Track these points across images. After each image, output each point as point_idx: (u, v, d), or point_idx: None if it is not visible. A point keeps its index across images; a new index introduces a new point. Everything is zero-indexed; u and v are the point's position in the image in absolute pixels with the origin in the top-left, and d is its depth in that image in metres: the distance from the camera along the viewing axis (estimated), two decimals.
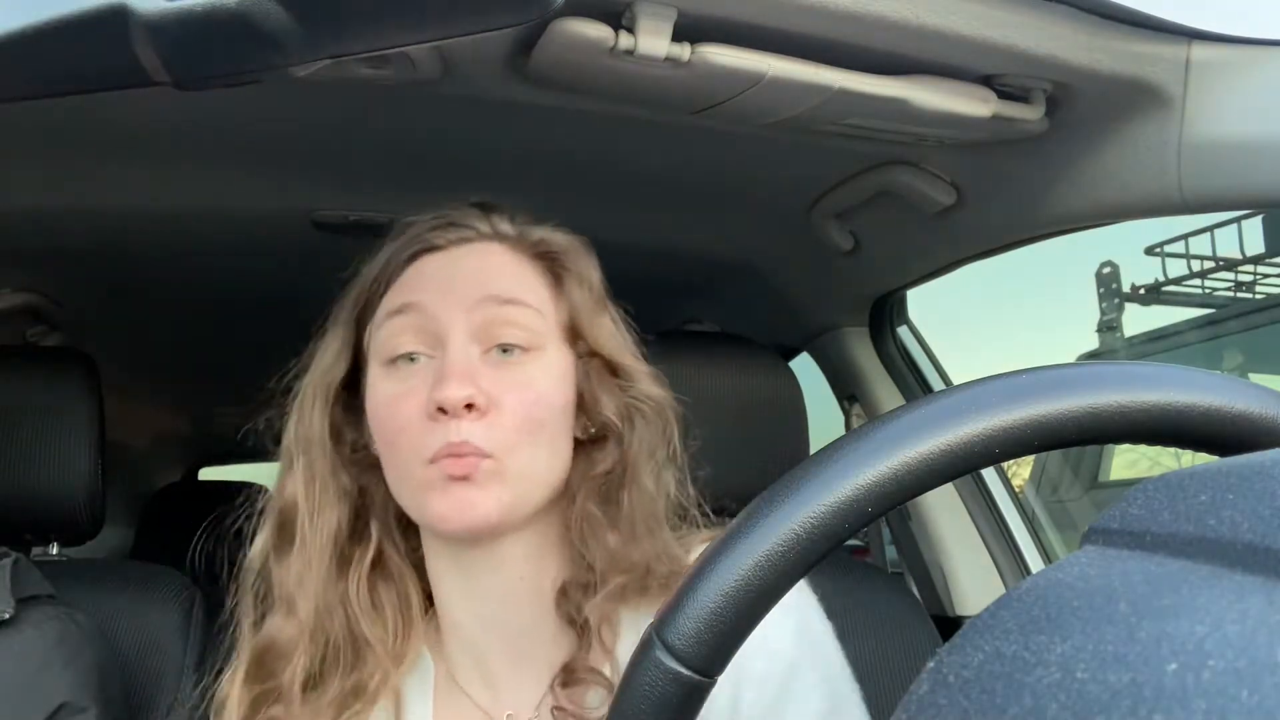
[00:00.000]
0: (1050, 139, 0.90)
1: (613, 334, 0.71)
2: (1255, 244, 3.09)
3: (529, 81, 0.81)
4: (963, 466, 0.34)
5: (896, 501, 0.34)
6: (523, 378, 0.64)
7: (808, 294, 1.45)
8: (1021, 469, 3.19)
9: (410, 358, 0.64)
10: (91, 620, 0.95)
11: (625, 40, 0.71)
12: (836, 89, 0.79)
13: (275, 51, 0.41)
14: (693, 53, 0.73)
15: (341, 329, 0.71)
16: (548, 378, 0.65)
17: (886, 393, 1.43)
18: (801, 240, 1.29)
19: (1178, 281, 3.25)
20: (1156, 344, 3.33)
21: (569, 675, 0.64)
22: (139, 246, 1.36)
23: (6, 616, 0.86)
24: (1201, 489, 0.24)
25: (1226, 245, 3.12)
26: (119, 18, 0.38)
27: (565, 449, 0.67)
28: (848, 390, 1.49)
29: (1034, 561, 1.35)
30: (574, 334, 0.69)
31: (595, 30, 0.71)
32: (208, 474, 3.37)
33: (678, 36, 0.72)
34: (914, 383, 1.43)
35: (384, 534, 0.69)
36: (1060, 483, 3.11)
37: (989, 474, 1.38)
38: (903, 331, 1.46)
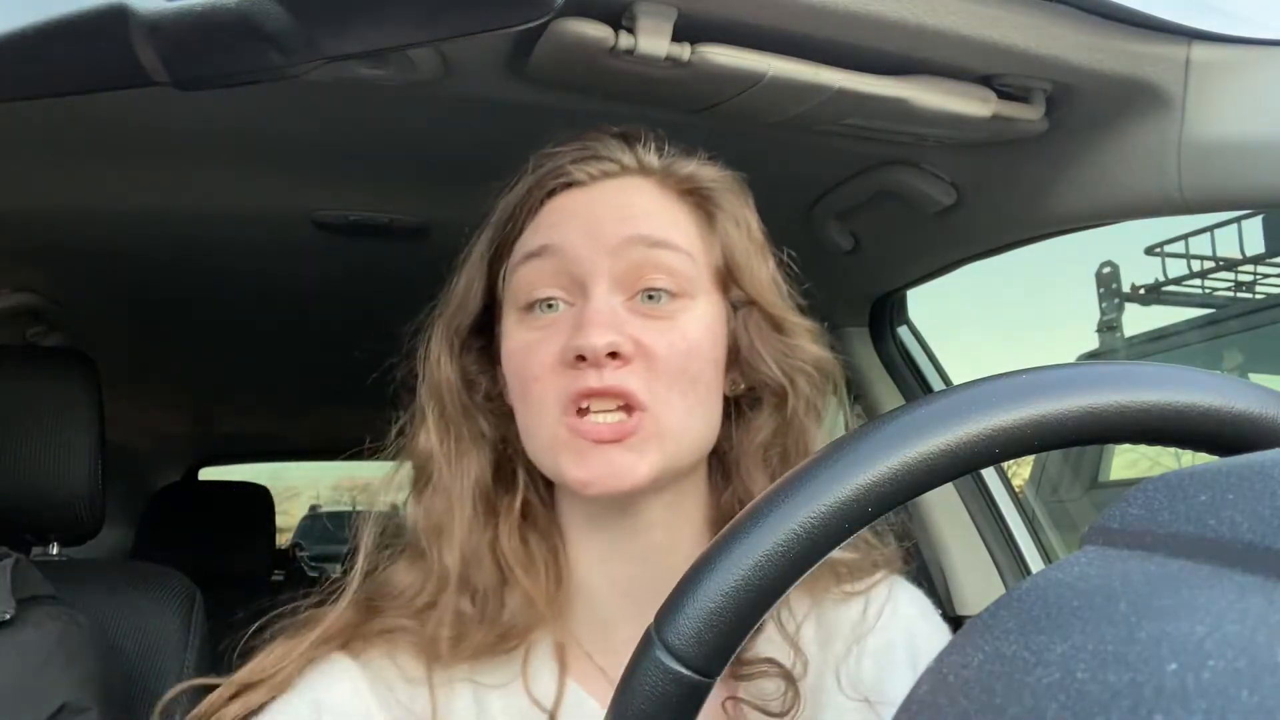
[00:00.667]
0: (1050, 139, 0.90)
1: (772, 283, 0.65)
2: (1255, 244, 3.10)
3: (529, 82, 0.81)
4: (963, 466, 0.34)
5: (897, 501, 0.34)
6: (673, 326, 0.58)
7: (807, 294, 1.45)
8: (1021, 469, 3.19)
9: (549, 304, 0.59)
10: (92, 620, 0.95)
11: (625, 40, 0.71)
12: (836, 89, 0.79)
13: (275, 52, 0.41)
14: (693, 53, 0.73)
15: (472, 269, 0.65)
16: (700, 326, 0.59)
17: (886, 393, 1.43)
18: (801, 240, 1.29)
19: (1178, 281, 3.26)
20: (1157, 344, 3.33)
21: (739, 666, 0.60)
22: (139, 246, 1.36)
23: (7, 617, 0.86)
24: (1201, 489, 0.24)
25: (1226, 245, 3.13)
26: (119, 18, 0.38)
27: (717, 407, 0.61)
28: (848, 390, 1.49)
29: (1034, 561, 1.35)
30: (728, 280, 0.63)
31: (595, 30, 0.71)
32: (208, 474, 3.37)
33: (678, 36, 0.72)
34: (914, 383, 1.43)
35: (529, 484, 0.64)
36: (1060, 483, 3.11)
37: (989, 474, 1.38)
38: (903, 331, 1.46)
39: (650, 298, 0.59)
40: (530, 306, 0.60)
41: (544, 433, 0.57)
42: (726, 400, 0.63)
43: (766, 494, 0.35)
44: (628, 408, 0.56)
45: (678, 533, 0.62)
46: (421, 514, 0.63)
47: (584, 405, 0.56)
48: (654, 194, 0.63)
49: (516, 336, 0.60)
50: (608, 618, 0.62)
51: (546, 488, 0.65)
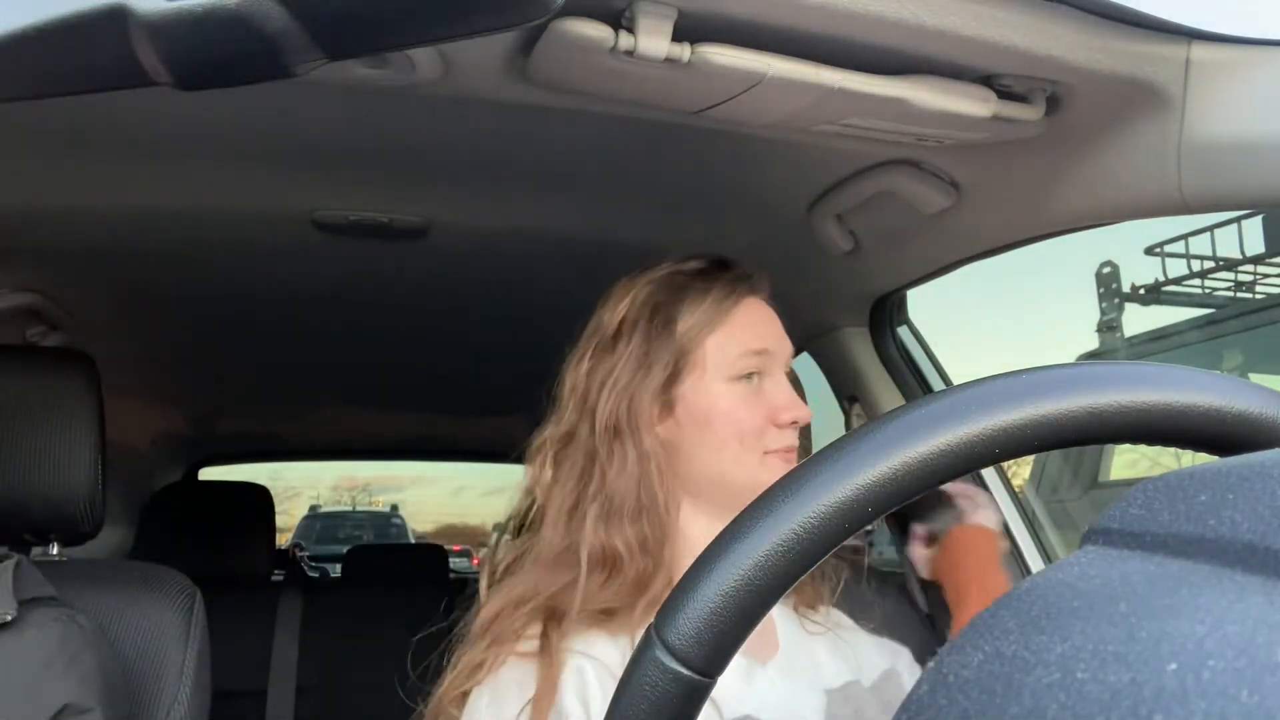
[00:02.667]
0: (1050, 139, 0.90)
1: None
2: (1255, 244, 3.10)
3: (529, 82, 0.81)
4: (963, 466, 0.34)
5: (897, 501, 0.34)
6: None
7: (808, 294, 1.45)
8: (1021, 469, 3.19)
9: (751, 377, 0.86)
10: (93, 621, 0.95)
11: (625, 40, 0.71)
12: (836, 89, 0.79)
13: (275, 52, 0.41)
14: (693, 53, 0.73)
15: (656, 341, 0.87)
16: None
17: (886, 393, 1.43)
18: (801, 240, 1.29)
19: (1178, 281, 3.26)
20: (1157, 344, 3.33)
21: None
22: (139, 246, 1.36)
23: (9, 618, 0.86)
24: (1201, 489, 0.24)
25: (1226, 245, 3.13)
26: (119, 18, 0.38)
27: None
28: (848, 390, 1.49)
29: (1034, 561, 1.35)
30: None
31: (595, 30, 0.71)
32: (208, 474, 3.37)
33: (678, 36, 0.72)
34: (914, 383, 1.43)
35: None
36: (1060, 483, 3.11)
37: (989, 474, 1.38)
38: (903, 331, 1.46)
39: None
40: (743, 378, 0.86)
41: (746, 462, 0.84)
42: None
43: (767, 494, 0.35)
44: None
45: None
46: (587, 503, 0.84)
47: (781, 450, 0.85)
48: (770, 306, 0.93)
49: (730, 395, 0.85)
50: None
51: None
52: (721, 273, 0.89)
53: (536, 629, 0.78)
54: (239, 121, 0.99)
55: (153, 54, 0.39)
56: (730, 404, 0.85)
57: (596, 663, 0.76)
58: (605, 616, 0.79)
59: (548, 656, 0.76)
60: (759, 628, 0.75)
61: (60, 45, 0.39)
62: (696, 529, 0.86)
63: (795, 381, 1.20)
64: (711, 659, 0.34)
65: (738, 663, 0.77)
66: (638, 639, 0.77)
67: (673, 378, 0.86)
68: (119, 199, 1.17)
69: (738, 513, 0.75)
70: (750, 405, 0.85)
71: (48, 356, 1.23)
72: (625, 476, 0.83)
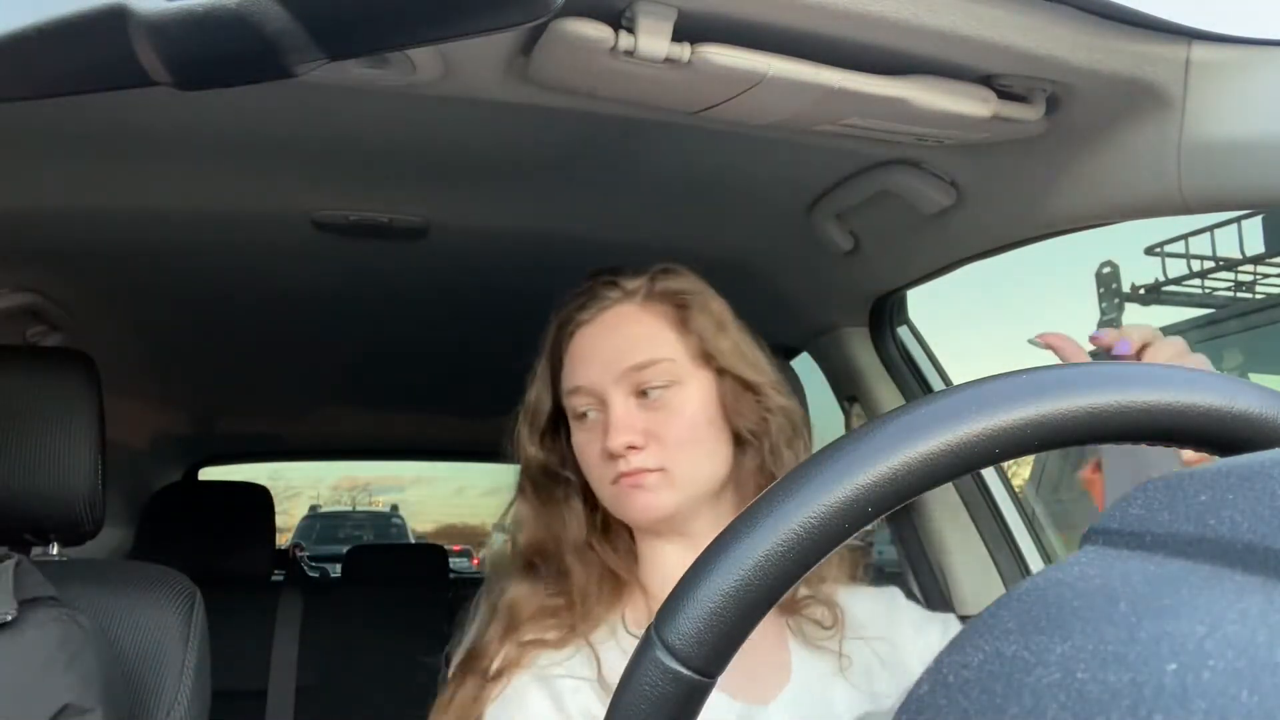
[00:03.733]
0: (1050, 139, 0.90)
1: (738, 353, 0.87)
2: (1255, 244, 3.10)
3: (529, 82, 0.81)
4: (963, 466, 0.34)
5: (897, 502, 0.34)
6: (670, 410, 0.83)
7: (808, 294, 1.45)
8: (1021, 469, 3.19)
9: (585, 414, 0.85)
10: (93, 621, 0.95)
11: (625, 40, 0.71)
12: (836, 88, 0.79)
13: (276, 52, 0.41)
14: (693, 53, 0.73)
15: (540, 387, 0.91)
16: (690, 404, 0.84)
17: (887, 393, 1.43)
18: (801, 240, 1.29)
19: (1178, 281, 3.26)
20: None
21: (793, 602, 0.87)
22: (139, 246, 1.36)
23: (9, 618, 0.86)
24: (1201, 489, 0.24)
25: (1226, 245, 3.13)
26: (119, 18, 0.38)
27: (723, 449, 0.85)
28: (848, 390, 1.49)
29: (1034, 561, 1.35)
30: (705, 358, 0.86)
31: (595, 30, 0.71)
32: (207, 474, 3.37)
33: (678, 36, 0.72)
34: (914, 383, 1.43)
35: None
36: (1060, 482, 3.11)
37: (989, 474, 1.38)
38: (903, 331, 1.46)
39: (646, 394, 0.83)
40: (579, 417, 0.86)
41: (604, 494, 0.85)
42: (739, 436, 0.86)
43: (766, 494, 0.35)
44: (642, 476, 0.82)
45: None
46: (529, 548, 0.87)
47: (618, 480, 0.83)
48: (637, 315, 0.86)
49: (577, 434, 0.87)
50: None
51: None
52: (576, 300, 0.89)
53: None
54: (239, 121, 0.99)
55: (152, 54, 0.39)
56: (577, 440, 0.87)
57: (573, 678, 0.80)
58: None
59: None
60: (766, 659, 0.74)
61: (60, 45, 0.39)
62: (657, 555, 0.87)
63: (795, 381, 1.19)
64: (711, 659, 0.34)
65: (735, 709, 0.78)
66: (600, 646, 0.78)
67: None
68: (119, 199, 1.17)
69: (652, 542, 0.85)
70: (591, 442, 0.85)
71: (48, 356, 1.23)
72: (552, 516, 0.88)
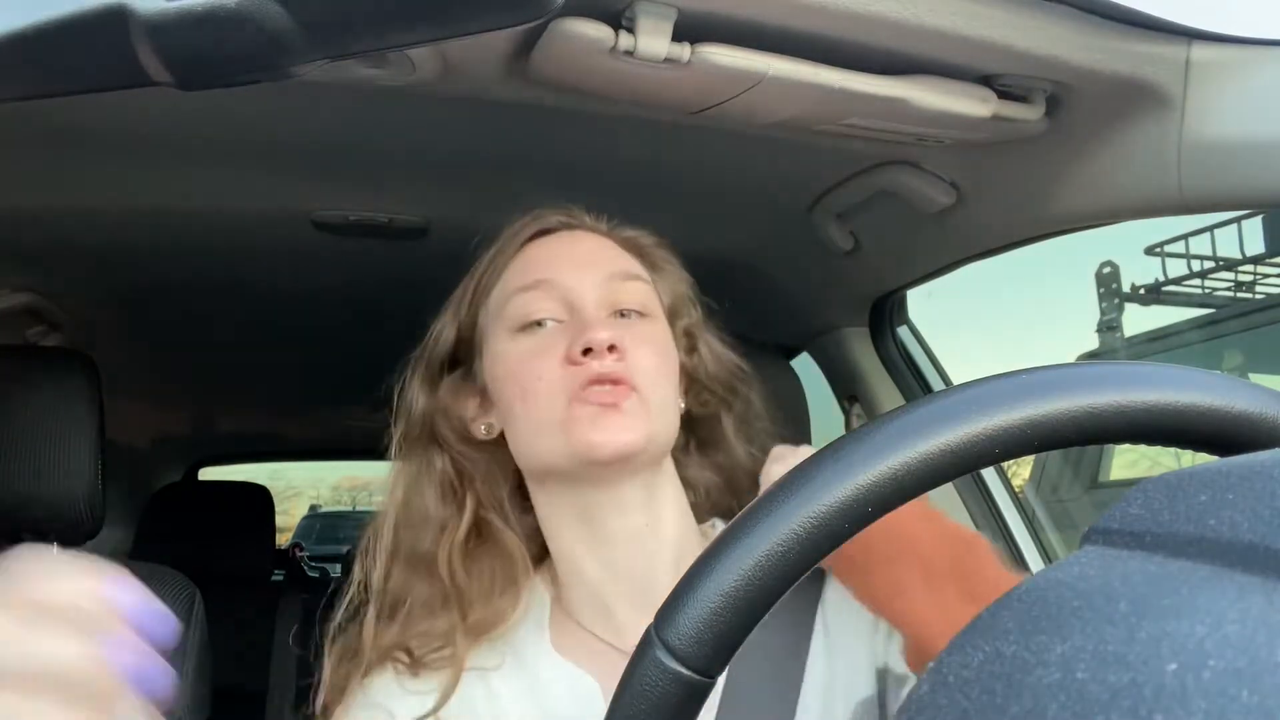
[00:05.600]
0: (1050, 139, 0.90)
1: (703, 323, 0.81)
2: (1255, 244, 3.10)
3: (529, 82, 0.81)
4: (963, 466, 0.34)
5: (898, 502, 0.34)
6: (647, 334, 0.72)
7: (808, 294, 1.45)
8: (1021, 469, 3.19)
9: (539, 323, 0.71)
10: None
11: (625, 40, 0.71)
12: (836, 89, 0.79)
13: (276, 52, 0.41)
14: (693, 53, 0.73)
15: (448, 314, 0.78)
16: (664, 337, 0.75)
17: (886, 393, 1.43)
18: (801, 240, 1.29)
19: (1178, 281, 3.26)
20: (1156, 344, 3.33)
21: None
22: (139, 246, 1.36)
23: None
24: (1201, 489, 0.24)
25: (1227, 245, 3.13)
26: (119, 18, 0.38)
27: (678, 409, 0.75)
28: (848, 390, 1.49)
29: (1034, 561, 1.35)
30: (673, 316, 0.78)
31: (595, 30, 0.71)
32: (207, 474, 3.37)
33: (678, 36, 0.72)
34: (914, 383, 1.43)
35: (484, 507, 0.75)
36: (1060, 483, 3.11)
37: (989, 474, 1.38)
38: (903, 332, 1.46)
39: (623, 315, 0.73)
40: (525, 327, 0.71)
41: (552, 419, 0.68)
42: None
43: (767, 493, 0.35)
44: (622, 390, 0.68)
45: (655, 517, 0.72)
46: (383, 528, 0.74)
47: (588, 391, 0.68)
48: (614, 245, 0.78)
49: (514, 348, 0.71)
50: (606, 601, 0.72)
51: (514, 504, 0.77)
52: (525, 222, 0.78)
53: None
54: (239, 121, 0.99)
55: (153, 54, 0.39)
56: (513, 354, 0.71)
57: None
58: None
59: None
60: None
61: (60, 45, 0.39)
62: (563, 539, 0.73)
63: (794, 381, 1.19)
64: (711, 659, 0.34)
65: None
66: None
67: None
68: (119, 199, 1.17)
69: (573, 515, 0.71)
70: (543, 352, 0.69)
71: (47, 356, 1.23)
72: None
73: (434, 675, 0.69)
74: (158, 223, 1.27)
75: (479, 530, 0.74)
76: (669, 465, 0.75)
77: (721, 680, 0.61)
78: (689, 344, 0.79)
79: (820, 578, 0.74)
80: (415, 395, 0.76)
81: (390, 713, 0.69)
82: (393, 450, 0.76)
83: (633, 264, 0.77)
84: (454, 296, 0.79)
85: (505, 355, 0.72)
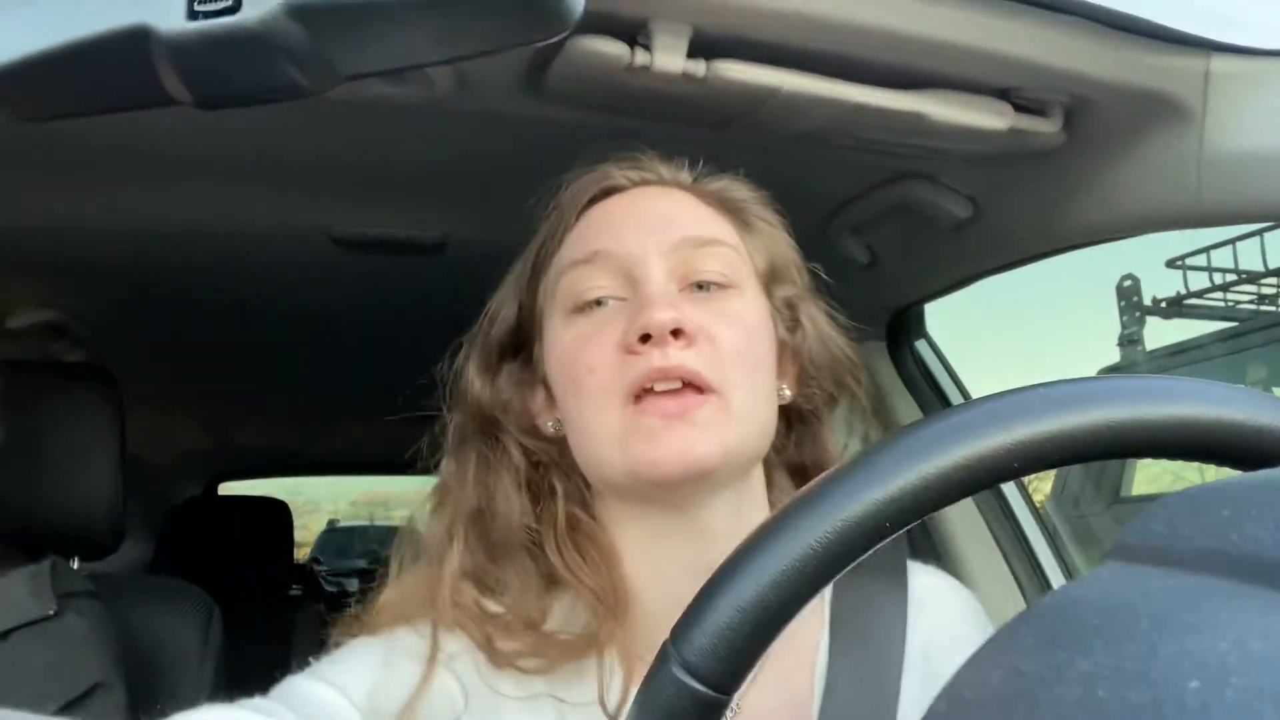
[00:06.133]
0: (1068, 152, 0.90)
1: (810, 295, 0.67)
2: (1278, 256, 3.06)
3: (546, 98, 0.82)
4: (981, 482, 0.34)
5: (915, 517, 0.34)
6: (729, 309, 0.59)
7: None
8: (1043, 483, 3.16)
9: (598, 302, 0.59)
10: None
11: (641, 57, 0.71)
12: (851, 103, 0.79)
13: (294, 72, 0.42)
14: (708, 69, 0.73)
15: (507, 289, 0.67)
16: (754, 311, 0.60)
17: (905, 407, 1.42)
18: (817, 254, 1.28)
19: (1200, 294, 3.22)
20: (1178, 358, 3.30)
21: None
22: (160, 263, 1.38)
23: (51, 613, 0.90)
24: (1224, 504, 0.24)
25: (1249, 258, 3.09)
26: (141, 40, 0.39)
27: (775, 400, 0.61)
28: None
29: (1056, 578, 1.33)
30: (770, 283, 0.64)
31: (611, 47, 0.71)
32: (227, 488, 3.39)
33: (693, 53, 0.72)
34: (932, 397, 1.42)
35: (569, 497, 0.63)
36: (1082, 497, 3.08)
37: (1009, 488, 1.37)
38: (921, 345, 1.46)
39: (700, 287, 0.59)
40: (581, 308, 0.60)
41: (607, 424, 0.56)
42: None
43: (784, 508, 0.35)
44: (693, 389, 0.55)
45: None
46: (433, 532, 0.64)
47: (648, 387, 0.55)
48: (693, 201, 0.64)
49: (567, 333, 0.60)
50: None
51: (586, 507, 0.64)
52: (591, 176, 0.66)
53: None
54: (258, 139, 1.00)
55: (174, 74, 0.40)
56: (567, 338, 0.60)
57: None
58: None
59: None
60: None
61: (84, 66, 0.40)
62: (651, 555, 0.60)
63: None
64: (728, 676, 0.34)
65: None
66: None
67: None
68: (141, 217, 1.18)
69: (642, 532, 0.58)
70: (597, 335, 0.57)
71: (70, 372, 1.24)
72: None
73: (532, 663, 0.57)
74: (179, 239, 1.29)
75: (570, 523, 0.62)
76: (760, 474, 0.62)
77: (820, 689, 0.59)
78: (790, 318, 0.65)
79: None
80: (471, 382, 0.65)
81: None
82: (450, 439, 0.65)
83: (715, 223, 0.63)
84: (513, 269, 0.68)
85: (558, 341, 0.61)
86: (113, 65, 0.40)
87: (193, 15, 0.38)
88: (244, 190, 1.15)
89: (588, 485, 0.63)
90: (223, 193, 1.15)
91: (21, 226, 1.18)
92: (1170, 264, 3.25)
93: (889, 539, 0.34)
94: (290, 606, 2.49)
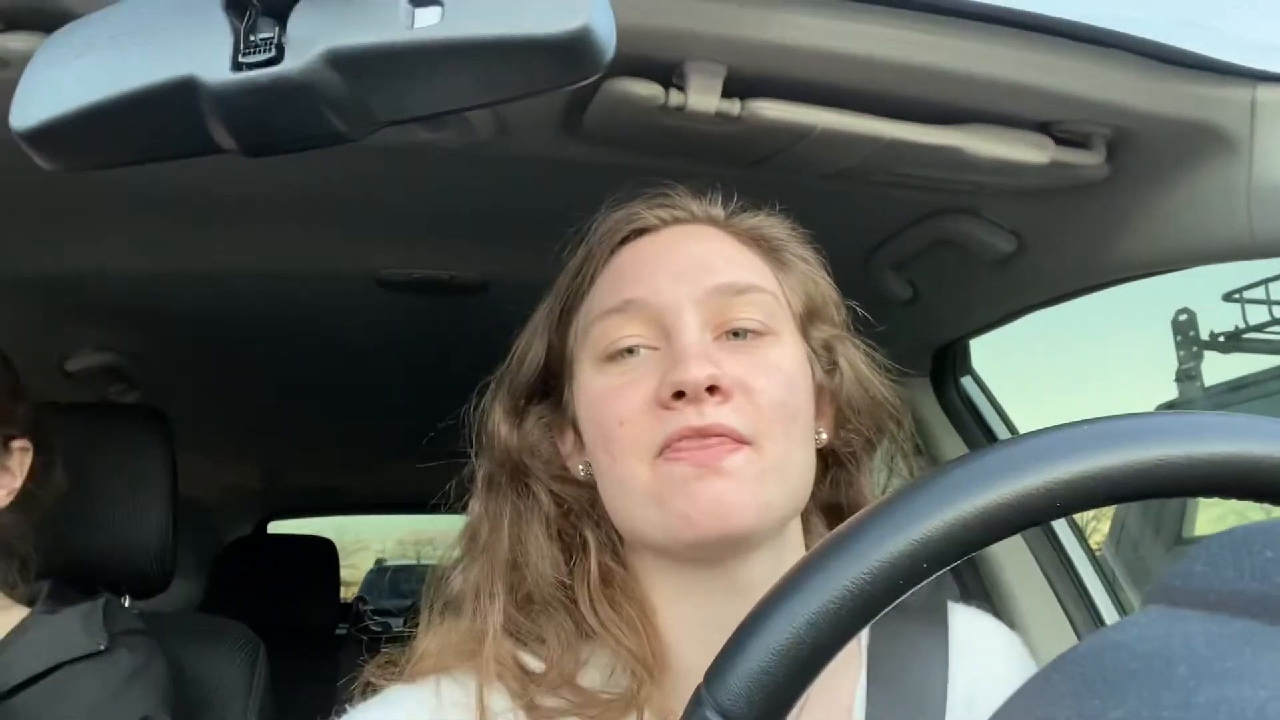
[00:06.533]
0: (1113, 184, 0.88)
1: (847, 334, 0.65)
2: None
3: (583, 139, 0.83)
4: (1022, 521, 0.33)
5: (956, 558, 0.33)
6: (767, 360, 0.57)
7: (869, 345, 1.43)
8: (1100, 524, 3.07)
9: (630, 350, 0.58)
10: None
11: (676, 97, 0.72)
12: (888, 139, 0.78)
13: (337, 119, 0.43)
14: (742, 108, 0.74)
15: (534, 329, 0.65)
16: (792, 360, 0.59)
17: (950, 444, 1.40)
18: (859, 290, 1.27)
19: (1260, 329, 3.14)
20: (1238, 393, 3.20)
21: None
22: (212, 307, 1.41)
23: (101, 648, 0.92)
24: (1267, 545, 0.23)
25: None
26: (189, 90, 0.40)
27: (812, 449, 0.60)
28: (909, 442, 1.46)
29: (1110, 616, 1.29)
30: (807, 325, 0.63)
31: (646, 89, 0.72)
32: (275, 527, 3.43)
33: (727, 92, 0.73)
34: (979, 434, 1.40)
35: (603, 547, 0.61)
36: (1141, 539, 2.99)
37: (1062, 528, 1.33)
38: (966, 382, 1.43)
39: (736, 335, 0.58)
40: (613, 356, 0.58)
41: (638, 476, 0.55)
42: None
43: (819, 548, 0.34)
44: (729, 439, 0.53)
45: None
46: (467, 583, 0.62)
47: (681, 446, 0.53)
48: (728, 241, 0.63)
49: (598, 381, 0.58)
50: None
51: (618, 557, 0.62)
52: (621, 215, 0.64)
53: None
54: (304, 185, 1.03)
55: (220, 123, 0.41)
56: (597, 389, 0.58)
57: None
58: None
59: None
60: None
61: (134, 117, 0.41)
62: (687, 609, 0.58)
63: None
64: (762, 719, 0.33)
65: None
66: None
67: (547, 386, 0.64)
68: (193, 262, 1.22)
69: (677, 585, 0.55)
70: (628, 388, 0.56)
71: (123, 413, 1.28)
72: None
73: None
74: (231, 284, 1.32)
75: (603, 576, 0.60)
76: (797, 524, 0.61)
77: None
78: (828, 360, 0.63)
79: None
80: (498, 427, 0.63)
81: None
82: (479, 483, 0.64)
83: (750, 266, 0.61)
84: (540, 309, 0.66)
85: (588, 387, 0.59)
86: (161, 115, 0.41)
87: (237, 66, 0.39)
88: (293, 235, 1.18)
89: (619, 534, 0.62)
90: (271, 238, 1.18)
91: (81, 272, 1.22)
92: (1227, 297, 3.17)
93: (928, 580, 0.33)
94: (336, 645, 2.50)
